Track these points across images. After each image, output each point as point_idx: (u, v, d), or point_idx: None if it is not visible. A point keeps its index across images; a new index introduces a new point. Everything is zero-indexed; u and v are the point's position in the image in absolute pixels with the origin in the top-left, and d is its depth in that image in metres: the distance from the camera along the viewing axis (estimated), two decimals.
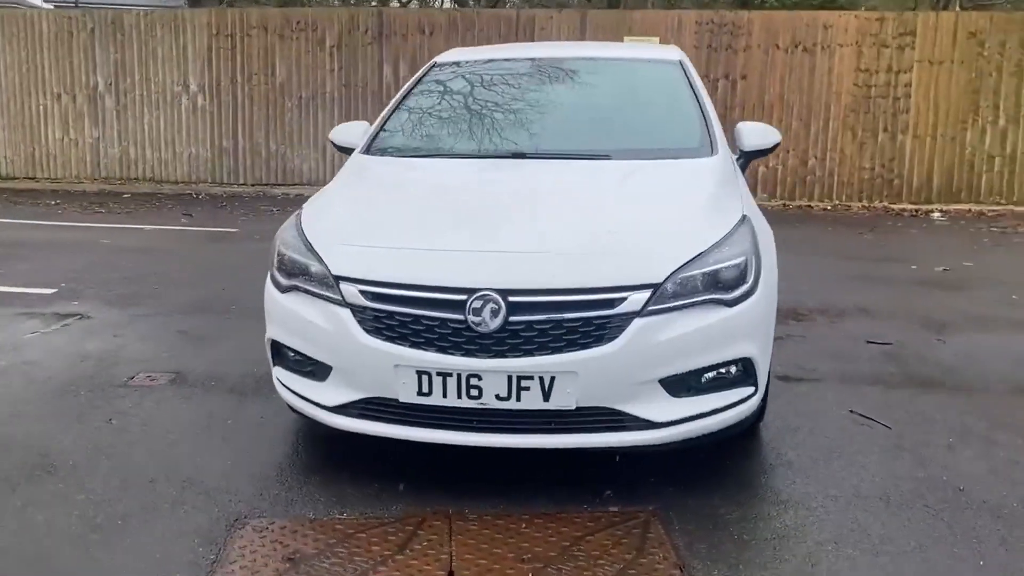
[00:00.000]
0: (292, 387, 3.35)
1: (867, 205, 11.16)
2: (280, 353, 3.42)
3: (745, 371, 3.19)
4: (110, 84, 12.24)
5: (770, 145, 4.30)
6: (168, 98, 12.23)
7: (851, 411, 4.05)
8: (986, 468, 3.47)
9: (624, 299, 2.94)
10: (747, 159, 4.33)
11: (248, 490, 3.27)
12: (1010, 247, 8.35)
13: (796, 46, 11.38)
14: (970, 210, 10.80)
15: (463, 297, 2.94)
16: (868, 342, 5.15)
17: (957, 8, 11.45)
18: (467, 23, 11.76)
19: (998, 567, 2.77)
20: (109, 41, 12.19)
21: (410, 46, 11.82)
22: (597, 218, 3.31)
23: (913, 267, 7.34)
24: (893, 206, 11.06)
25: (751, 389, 3.22)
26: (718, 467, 3.45)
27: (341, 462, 3.46)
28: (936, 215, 10.55)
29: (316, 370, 3.23)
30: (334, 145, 4.54)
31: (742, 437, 3.55)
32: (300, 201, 11.75)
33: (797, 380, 4.45)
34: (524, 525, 3.01)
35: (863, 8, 13.93)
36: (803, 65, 11.38)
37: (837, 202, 11.34)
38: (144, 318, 5.62)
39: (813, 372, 4.60)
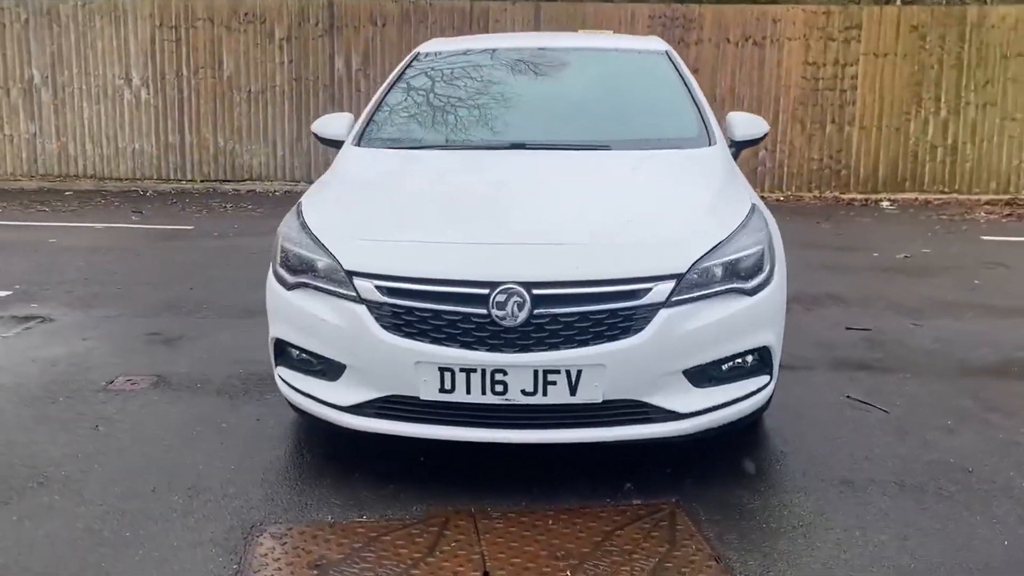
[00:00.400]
0: (300, 387, 3.24)
1: (818, 195, 11.39)
2: (284, 352, 3.30)
3: (762, 360, 3.20)
4: (47, 77, 11.76)
5: (760, 135, 4.32)
6: (109, 92, 11.79)
7: (848, 396, 4.11)
8: (988, 449, 3.54)
9: (649, 290, 2.91)
10: (738, 149, 4.33)
11: (258, 495, 3.15)
12: (961, 234, 8.61)
13: (746, 40, 11.53)
14: (916, 199, 11.11)
15: (486, 291, 2.88)
16: (847, 328, 5.24)
17: (899, 2, 11.74)
18: (420, 15, 11.61)
19: (1022, 547, 2.83)
20: (45, 32, 11.70)
21: (362, 38, 11.62)
22: (612, 208, 3.28)
23: (875, 255, 7.50)
24: (843, 196, 11.31)
25: (767, 378, 3.23)
26: (730, 457, 3.45)
27: (349, 462, 3.36)
28: (885, 204, 10.83)
29: (327, 369, 3.13)
30: (317, 138, 4.42)
31: (748, 426, 3.56)
32: (252, 197, 11.52)
33: (789, 368, 4.47)
34: (551, 521, 2.96)
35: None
36: (753, 58, 11.54)
37: (789, 193, 11.54)
38: (111, 320, 5.39)
39: (802, 359, 4.65)
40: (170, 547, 2.79)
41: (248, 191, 11.46)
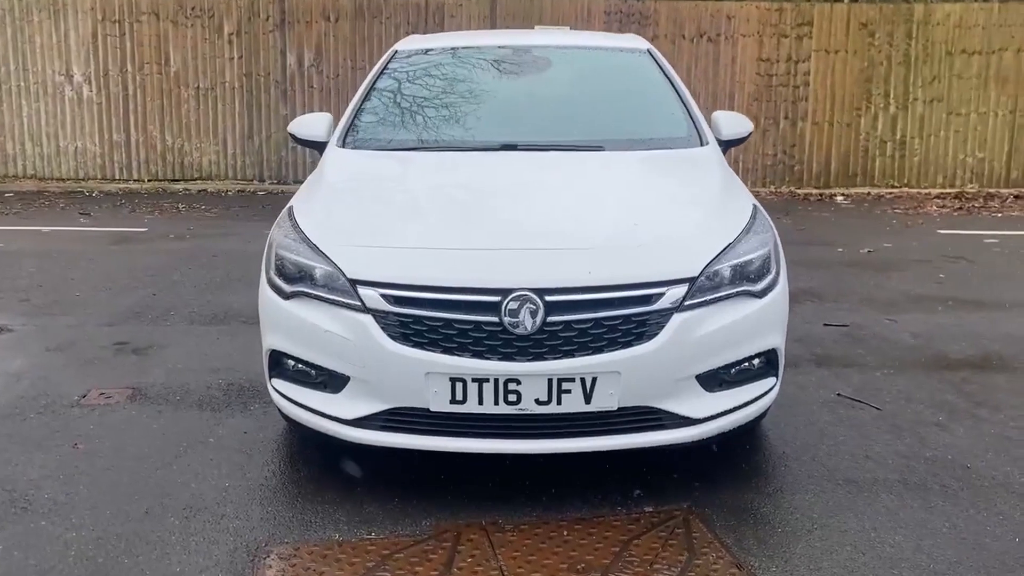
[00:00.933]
0: (298, 400, 3.11)
1: (774, 190, 11.53)
2: (280, 364, 3.17)
3: (768, 362, 3.19)
4: None
5: (746, 133, 4.32)
6: (50, 89, 11.33)
7: (839, 394, 4.13)
8: (982, 444, 3.59)
9: (663, 294, 2.87)
10: (725, 148, 4.32)
11: (257, 513, 3.03)
12: (917, 228, 8.78)
13: (701, 36, 11.60)
14: (869, 193, 11.32)
15: (497, 298, 2.80)
16: (826, 324, 5.29)
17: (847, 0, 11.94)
18: (374, 10, 11.40)
19: None
20: None
21: (315, 33, 11.38)
22: (616, 211, 3.22)
23: (839, 249, 7.61)
24: (799, 191, 11.46)
25: (773, 380, 3.23)
26: (733, 460, 3.44)
27: (348, 476, 3.26)
28: (840, 199, 11.01)
29: (329, 381, 3.02)
30: (294, 138, 4.28)
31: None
32: (204, 197, 11.21)
33: None
34: (566, 532, 2.90)
35: None
36: (708, 55, 11.61)
37: None
38: (74, 329, 5.16)
39: (788, 356, 4.61)
40: (173, 573, 2.66)
41: (200, 191, 11.14)
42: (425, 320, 2.83)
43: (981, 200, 10.71)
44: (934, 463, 3.42)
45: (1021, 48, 11.51)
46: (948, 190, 11.41)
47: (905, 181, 11.72)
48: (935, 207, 10.23)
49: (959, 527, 2.95)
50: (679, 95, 4.25)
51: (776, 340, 3.15)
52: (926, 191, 11.35)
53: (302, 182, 3.95)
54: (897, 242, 7.95)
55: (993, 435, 3.68)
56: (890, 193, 11.32)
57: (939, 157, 11.71)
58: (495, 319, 2.80)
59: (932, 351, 4.78)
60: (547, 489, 3.16)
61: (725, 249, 3.02)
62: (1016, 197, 10.94)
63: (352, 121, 4.08)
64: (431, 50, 4.66)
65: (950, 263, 7.01)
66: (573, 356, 2.81)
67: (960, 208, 10.16)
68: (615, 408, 2.86)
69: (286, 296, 3.07)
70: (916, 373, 4.43)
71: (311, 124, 4.24)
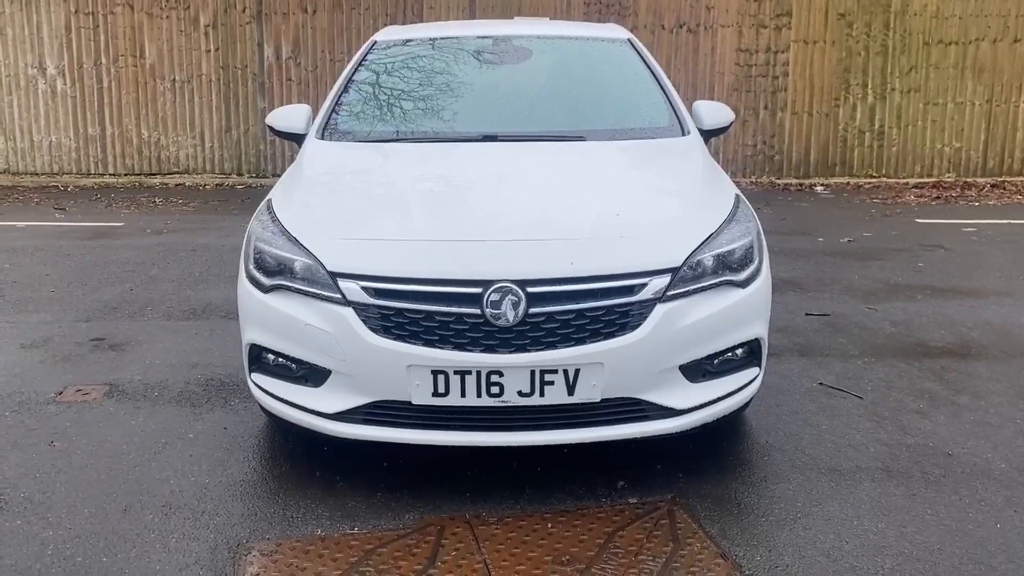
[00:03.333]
0: (279, 394, 3.08)
1: (755, 181, 11.55)
2: (260, 358, 3.14)
3: (752, 352, 3.19)
4: None
5: (727, 123, 4.30)
6: (22, 82, 11.17)
7: (820, 383, 4.14)
8: (963, 432, 3.61)
9: (645, 285, 2.86)
10: (706, 138, 4.31)
11: (239, 510, 2.99)
12: (896, 217, 8.83)
13: (680, 26, 11.59)
14: (848, 183, 11.37)
15: (479, 290, 2.78)
16: (807, 314, 5.30)
17: None
18: (352, 1, 11.31)
19: (1015, 528, 2.88)
20: None
21: (292, 25, 11.27)
22: (598, 202, 3.20)
23: (820, 239, 7.63)
24: (779, 181, 11.50)
25: (757, 370, 3.23)
26: (716, 449, 3.44)
27: (330, 471, 3.23)
28: (820, 189, 11.05)
29: (310, 375, 2.99)
30: (272, 131, 4.23)
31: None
32: (182, 192, 11.08)
33: None
34: (550, 525, 2.89)
35: None
36: (687, 45, 11.61)
37: None
38: (49, 325, 5.08)
39: (770, 346, 4.65)
40: (153, 571, 2.62)
41: (177, 185, 11.03)
42: (406, 312, 2.81)
43: (958, 189, 10.79)
44: (916, 450, 3.44)
45: (997, 39, 11.58)
46: (926, 179, 11.49)
47: (883, 171, 11.77)
48: (913, 196, 10.30)
49: (941, 514, 2.97)
50: (660, 85, 4.23)
51: (759, 330, 3.14)
52: (904, 181, 11.42)
53: (281, 175, 3.91)
54: (876, 231, 7.99)
55: (973, 422, 3.70)
56: (869, 183, 11.38)
57: (917, 147, 11.77)
58: (477, 311, 2.77)
59: (912, 339, 4.81)
60: (531, 481, 3.15)
61: (707, 239, 3.01)
62: (993, 186, 11.03)
63: (331, 113, 4.04)
64: (411, 40, 4.62)
65: (928, 252, 7.05)
66: (556, 348, 2.80)
67: (938, 197, 10.23)
68: (598, 399, 2.85)
69: (265, 289, 3.04)
70: (896, 361, 4.45)
71: (290, 116, 4.19)
